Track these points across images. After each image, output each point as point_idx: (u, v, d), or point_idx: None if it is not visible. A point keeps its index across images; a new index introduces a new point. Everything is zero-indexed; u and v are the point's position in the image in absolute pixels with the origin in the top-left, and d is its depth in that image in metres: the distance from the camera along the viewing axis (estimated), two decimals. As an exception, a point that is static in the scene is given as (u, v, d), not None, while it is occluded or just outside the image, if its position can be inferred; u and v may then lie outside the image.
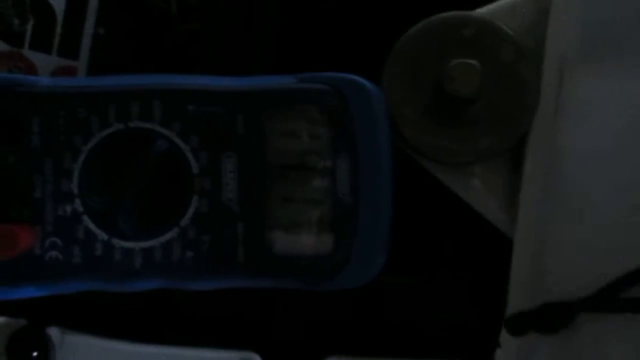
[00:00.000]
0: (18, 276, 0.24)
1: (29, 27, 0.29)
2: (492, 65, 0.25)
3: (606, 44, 0.25)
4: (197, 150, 0.24)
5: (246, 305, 0.29)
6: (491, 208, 0.26)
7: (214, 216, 0.24)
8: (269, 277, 0.24)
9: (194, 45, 0.30)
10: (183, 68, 0.30)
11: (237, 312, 0.29)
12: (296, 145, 0.24)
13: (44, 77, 0.28)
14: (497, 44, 0.25)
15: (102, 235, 0.24)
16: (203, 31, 0.30)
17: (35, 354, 0.28)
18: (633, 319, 0.24)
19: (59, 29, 0.29)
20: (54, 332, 0.28)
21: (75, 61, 0.29)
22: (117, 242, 0.24)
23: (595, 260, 0.24)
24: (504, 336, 0.25)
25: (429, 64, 0.25)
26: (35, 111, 0.24)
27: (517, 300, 0.25)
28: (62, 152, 0.24)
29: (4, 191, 0.24)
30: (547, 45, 0.25)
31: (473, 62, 0.24)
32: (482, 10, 0.27)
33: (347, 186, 0.24)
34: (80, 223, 0.24)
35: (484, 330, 0.27)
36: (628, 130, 0.24)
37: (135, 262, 0.24)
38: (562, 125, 0.25)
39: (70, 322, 0.29)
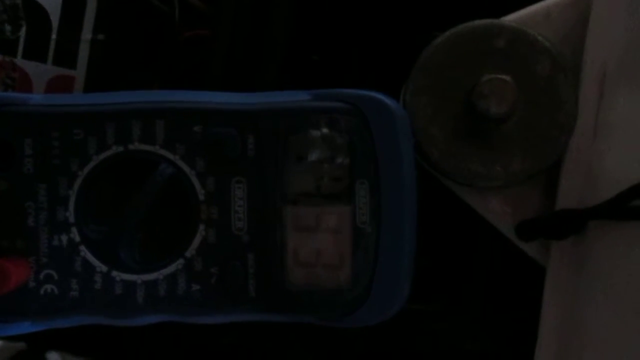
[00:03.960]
0: (11, 311, 0.22)
1: (22, 33, 0.27)
2: (526, 80, 0.23)
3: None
4: (203, 175, 0.22)
5: (257, 335, 0.27)
6: (523, 235, 0.24)
7: (222, 247, 0.22)
8: (282, 312, 0.22)
9: (199, 53, 0.28)
10: (187, 76, 0.29)
11: (247, 342, 0.27)
12: (311, 170, 0.22)
13: (35, 94, 0.26)
14: (532, 56, 0.23)
15: (101, 267, 0.22)
16: (209, 38, 0.27)
17: (34, 379, 0.27)
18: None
19: (54, 36, 0.27)
20: (53, 356, 0.27)
21: (73, 70, 0.27)
22: (118, 275, 0.22)
23: None
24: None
25: (457, 78, 0.23)
26: (27, 133, 0.22)
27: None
28: (56, 177, 0.22)
29: (-6, 220, 0.22)
30: (585, 56, 0.23)
31: (506, 77, 0.22)
32: (513, 17, 0.24)
33: (366, 215, 0.22)
34: (77, 254, 0.22)
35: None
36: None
37: (138, 296, 0.22)
38: (602, 146, 0.23)
39: (70, 347, 0.28)
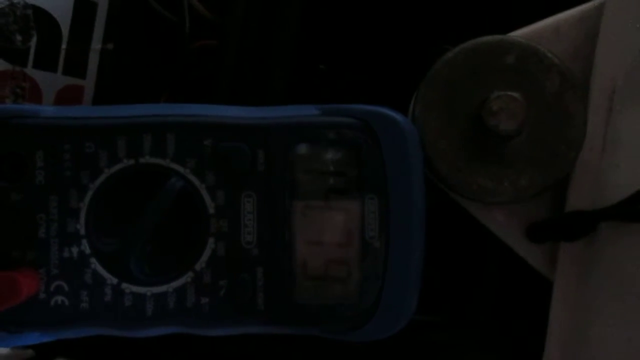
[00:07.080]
0: (22, 322, 0.22)
1: (33, 43, 0.27)
2: (536, 96, 0.23)
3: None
4: (213, 189, 0.22)
5: (262, 344, 0.27)
6: (530, 250, 0.24)
7: (232, 260, 0.22)
8: (291, 325, 0.22)
9: (209, 63, 0.28)
10: (196, 86, 0.29)
11: (252, 351, 0.27)
12: (320, 184, 0.22)
13: (47, 106, 0.26)
14: (542, 72, 0.23)
15: (111, 279, 0.22)
16: (218, 48, 0.28)
17: (42, 386, 0.27)
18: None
19: (64, 45, 0.27)
20: (61, 364, 0.27)
21: (82, 80, 0.28)
22: (128, 287, 0.22)
23: None
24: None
25: (466, 93, 0.23)
26: (39, 145, 0.22)
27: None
28: (67, 189, 0.22)
29: (6, 231, 0.22)
30: (594, 72, 0.23)
31: (516, 94, 0.22)
32: (522, 32, 0.24)
33: (375, 229, 0.22)
34: (87, 266, 0.22)
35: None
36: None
37: (147, 309, 0.22)
38: (611, 161, 0.23)
39: (79, 354, 0.28)
